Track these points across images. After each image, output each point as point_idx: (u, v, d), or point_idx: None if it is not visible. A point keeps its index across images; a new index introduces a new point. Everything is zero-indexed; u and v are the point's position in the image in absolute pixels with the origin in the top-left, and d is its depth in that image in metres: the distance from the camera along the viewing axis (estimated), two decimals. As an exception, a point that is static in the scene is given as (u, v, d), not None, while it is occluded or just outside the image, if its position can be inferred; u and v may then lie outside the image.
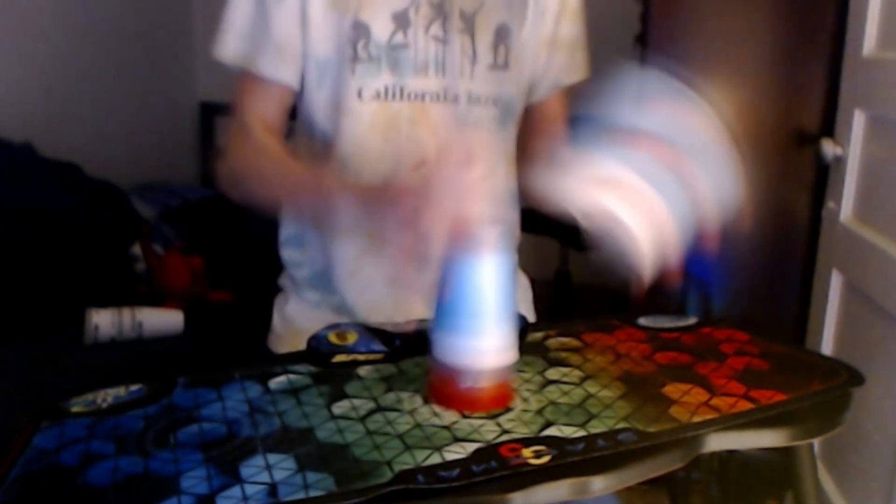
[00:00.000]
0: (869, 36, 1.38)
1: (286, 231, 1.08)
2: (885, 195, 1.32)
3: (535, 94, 1.08)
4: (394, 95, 0.96)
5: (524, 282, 1.16)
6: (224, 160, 0.98)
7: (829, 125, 1.56)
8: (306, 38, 0.95)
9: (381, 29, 0.93)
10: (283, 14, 0.94)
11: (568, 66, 1.07)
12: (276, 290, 1.12)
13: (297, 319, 1.06)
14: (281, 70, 0.96)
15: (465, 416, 0.72)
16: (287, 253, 1.08)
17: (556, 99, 1.10)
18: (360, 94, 0.95)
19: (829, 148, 1.49)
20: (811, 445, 0.82)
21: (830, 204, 1.53)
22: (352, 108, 0.96)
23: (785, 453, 0.82)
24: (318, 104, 0.98)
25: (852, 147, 1.43)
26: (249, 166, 0.97)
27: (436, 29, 0.95)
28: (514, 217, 1.11)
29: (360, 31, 0.93)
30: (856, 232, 1.40)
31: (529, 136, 1.09)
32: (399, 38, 0.94)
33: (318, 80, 0.97)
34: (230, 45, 0.96)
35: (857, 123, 1.42)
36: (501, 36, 0.99)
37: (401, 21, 0.94)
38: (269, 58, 0.95)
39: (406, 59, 0.95)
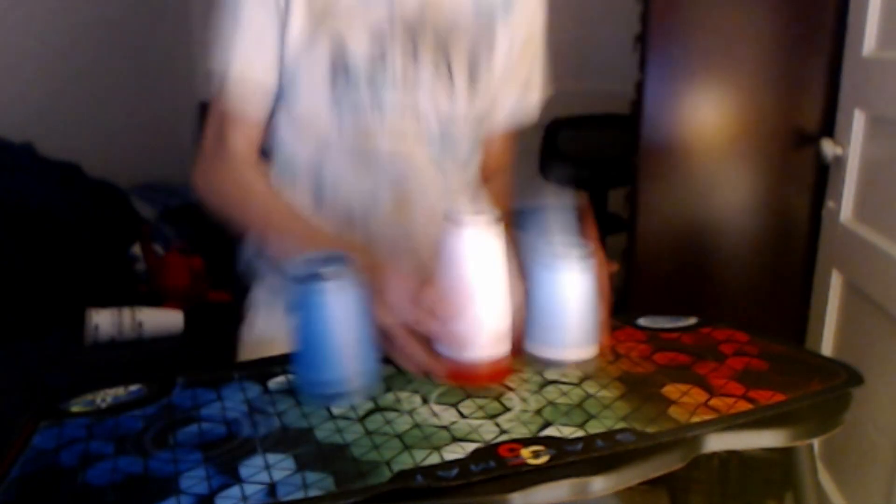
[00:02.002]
0: (869, 36, 1.38)
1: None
2: (885, 195, 1.31)
3: (487, 125, 1.08)
4: (371, 109, 0.97)
5: None
6: (202, 175, 1.00)
7: (829, 125, 1.56)
8: (284, 41, 0.94)
9: (357, 44, 0.94)
10: (264, 13, 0.93)
11: (517, 107, 1.09)
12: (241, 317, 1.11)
13: (266, 331, 1.06)
14: (257, 65, 0.95)
15: (463, 416, 0.72)
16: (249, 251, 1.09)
17: (501, 139, 1.13)
18: (338, 105, 0.96)
19: (829, 148, 1.49)
20: (811, 445, 0.82)
21: (830, 204, 1.53)
22: (328, 120, 0.97)
23: (785, 453, 0.82)
24: (287, 115, 0.99)
25: (852, 147, 1.43)
26: (231, 203, 0.98)
27: (410, 47, 0.96)
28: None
29: (336, 44, 0.94)
30: (856, 232, 1.40)
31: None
32: (376, 53, 0.95)
33: (286, 88, 0.97)
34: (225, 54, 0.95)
35: (857, 123, 1.42)
36: (474, 58, 1.01)
37: (376, 38, 0.95)
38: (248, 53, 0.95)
39: (382, 75, 0.96)
